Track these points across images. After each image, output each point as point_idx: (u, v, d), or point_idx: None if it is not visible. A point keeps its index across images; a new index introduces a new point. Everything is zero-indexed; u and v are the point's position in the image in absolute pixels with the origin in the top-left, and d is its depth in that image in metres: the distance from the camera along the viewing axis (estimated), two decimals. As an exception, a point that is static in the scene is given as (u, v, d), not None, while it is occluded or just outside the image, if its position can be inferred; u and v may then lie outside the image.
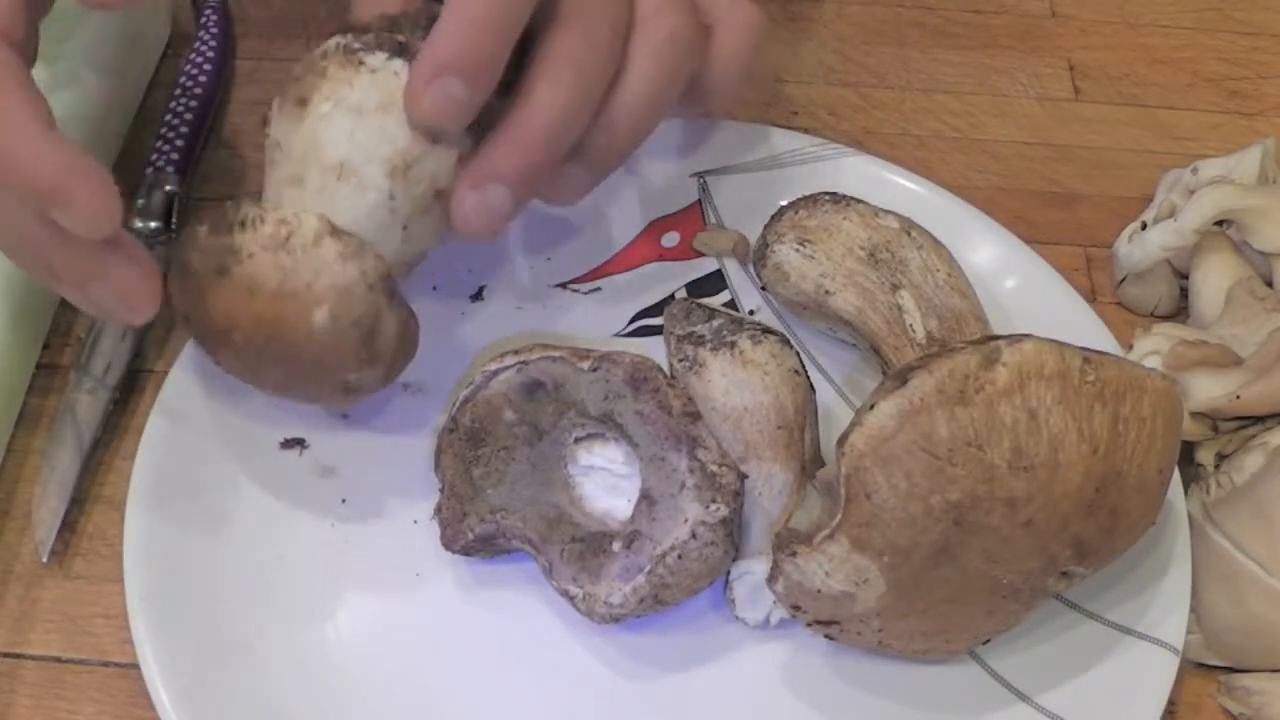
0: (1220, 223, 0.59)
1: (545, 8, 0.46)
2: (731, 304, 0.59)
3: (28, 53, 0.45)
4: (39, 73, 0.63)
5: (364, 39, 0.47)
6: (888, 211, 0.56)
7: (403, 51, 0.46)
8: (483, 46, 0.44)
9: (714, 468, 0.47)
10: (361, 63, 0.46)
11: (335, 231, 0.45)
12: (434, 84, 0.44)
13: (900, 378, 0.43)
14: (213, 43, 0.67)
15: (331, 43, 0.47)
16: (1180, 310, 0.61)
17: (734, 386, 0.50)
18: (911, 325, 0.53)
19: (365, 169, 0.46)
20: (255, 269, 0.44)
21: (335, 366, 0.47)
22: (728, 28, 0.53)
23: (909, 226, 0.56)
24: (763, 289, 0.58)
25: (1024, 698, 0.49)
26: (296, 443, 0.54)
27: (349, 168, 0.46)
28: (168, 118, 0.63)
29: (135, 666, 0.47)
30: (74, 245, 0.45)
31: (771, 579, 0.46)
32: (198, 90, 0.64)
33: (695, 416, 0.48)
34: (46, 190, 0.42)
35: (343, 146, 0.46)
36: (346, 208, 0.46)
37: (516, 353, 0.50)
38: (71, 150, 0.43)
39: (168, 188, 0.61)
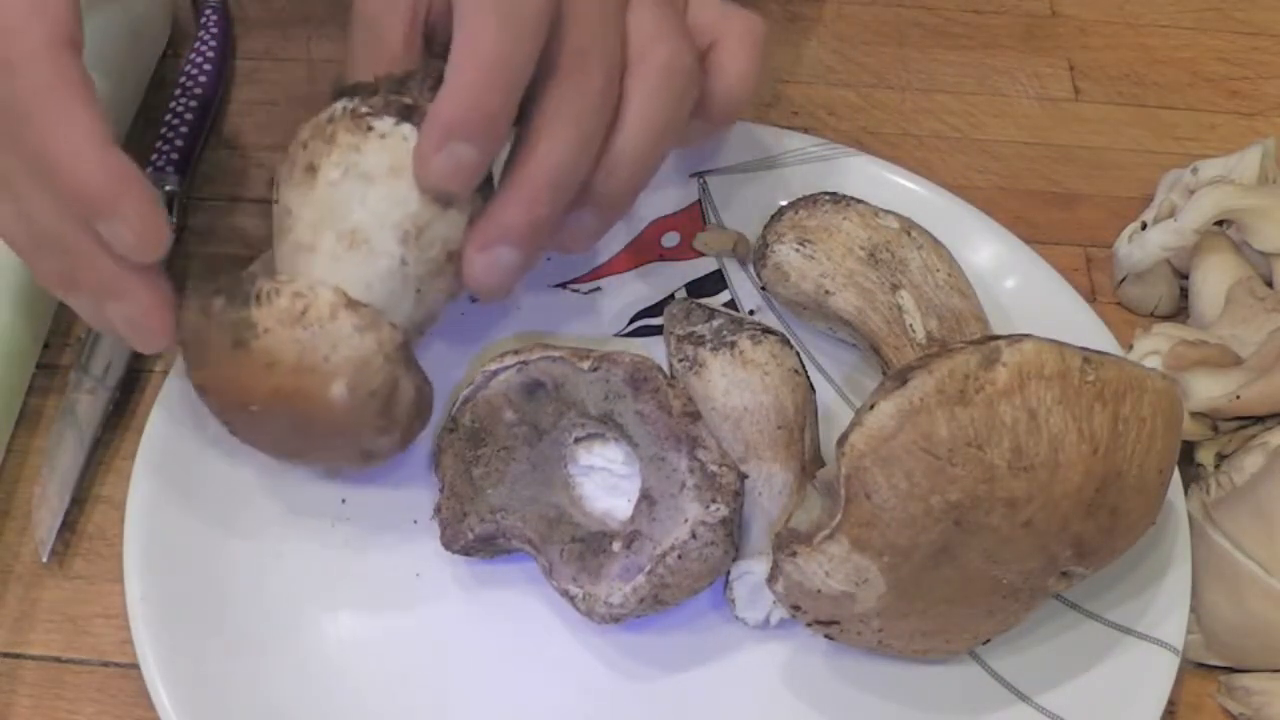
0: (1220, 223, 0.59)
1: (539, 56, 0.45)
2: (731, 304, 0.59)
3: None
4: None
5: (371, 102, 0.46)
6: (888, 211, 0.56)
7: (410, 114, 0.46)
8: (488, 107, 0.44)
9: (714, 468, 0.47)
10: (370, 128, 0.46)
11: (351, 303, 0.45)
12: (443, 149, 0.44)
13: (900, 378, 0.43)
14: (213, 43, 0.67)
15: (338, 106, 0.47)
16: (1180, 310, 0.61)
17: (734, 386, 0.50)
18: (911, 325, 0.53)
19: (377, 235, 0.46)
20: (272, 343, 0.44)
21: (353, 435, 0.47)
22: (729, 41, 0.51)
23: (909, 226, 0.56)
24: (763, 289, 0.58)
25: (1024, 698, 0.49)
26: (296, 443, 0.54)
27: (360, 234, 0.46)
28: (168, 118, 0.63)
29: (135, 666, 0.47)
30: (108, 261, 0.45)
31: (771, 579, 0.46)
32: (198, 90, 0.64)
33: (695, 416, 0.48)
34: (100, 199, 0.43)
35: (354, 213, 0.46)
36: (359, 274, 0.45)
37: (516, 353, 0.50)
38: (129, 165, 0.43)
39: (168, 188, 0.61)
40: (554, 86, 0.45)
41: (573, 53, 0.46)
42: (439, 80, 0.45)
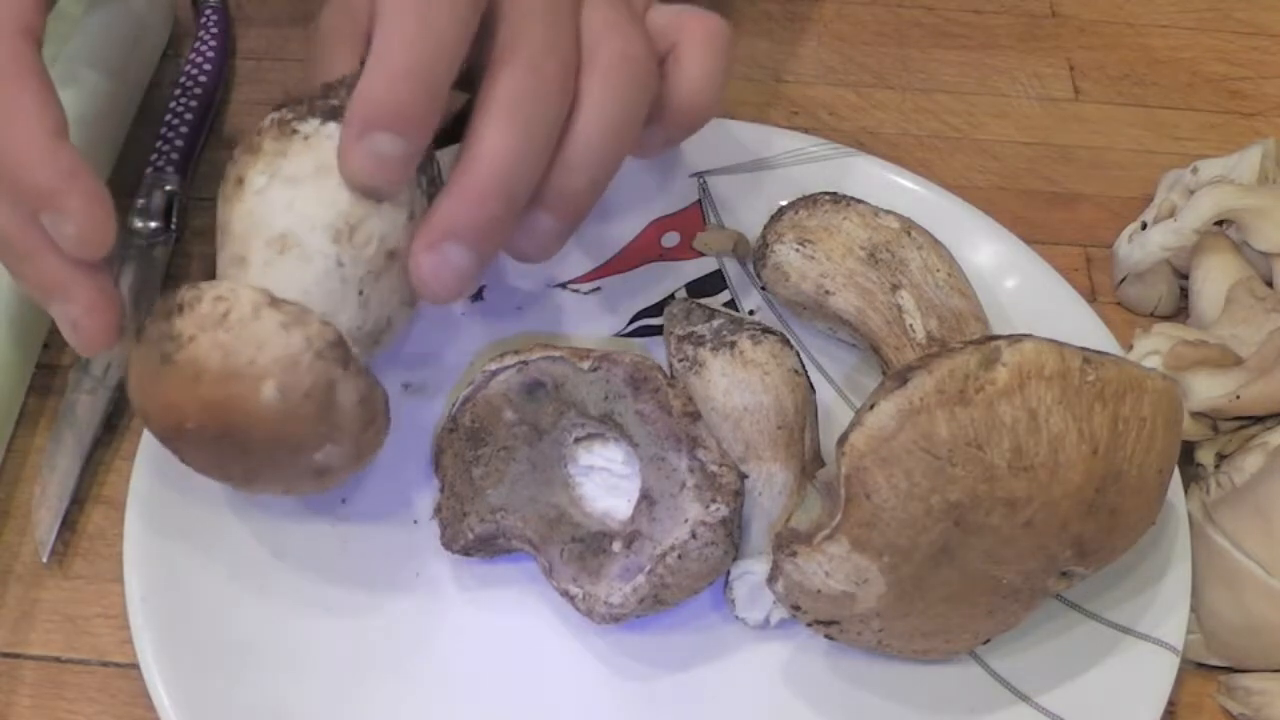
0: (1220, 223, 0.59)
1: (485, 46, 0.44)
2: (731, 304, 0.59)
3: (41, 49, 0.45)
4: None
5: (297, 109, 0.46)
6: (888, 211, 0.56)
7: (336, 115, 0.45)
8: (409, 97, 0.42)
9: (714, 467, 0.47)
10: (295, 131, 0.45)
11: (275, 302, 0.43)
12: (363, 142, 0.42)
13: (900, 378, 0.43)
14: (213, 43, 0.67)
15: (267, 119, 0.46)
16: (1180, 310, 0.61)
17: (734, 386, 0.50)
18: (911, 325, 0.53)
19: (308, 237, 0.44)
20: (197, 352, 0.42)
21: (296, 446, 0.44)
22: (690, 44, 0.49)
23: (909, 226, 0.56)
24: (763, 289, 0.58)
25: (1024, 698, 0.49)
26: (296, 443, 0.53)
27: (291, 238, 0.44)
28: (168, 118, 0.63)
29: (135, 666, 0.47)
30: (51, 257, 0.44)
31: (771, 579, 0.46)
32: (198, 90, 0.64)
33: (695, 416, 0.48)
34: (44, 192, 0.42)
35: (282, 217, 0.44)
36: (294, 280, 0.44)
37: (517, 352, 0.50)
38: (76, 158, 0.42)
39: (168, 188, 0.61)
40: (500, 75, 0.44)
41: (514, 44, 0.44)
42: None
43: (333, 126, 0.45)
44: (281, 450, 0.45)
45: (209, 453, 0.46)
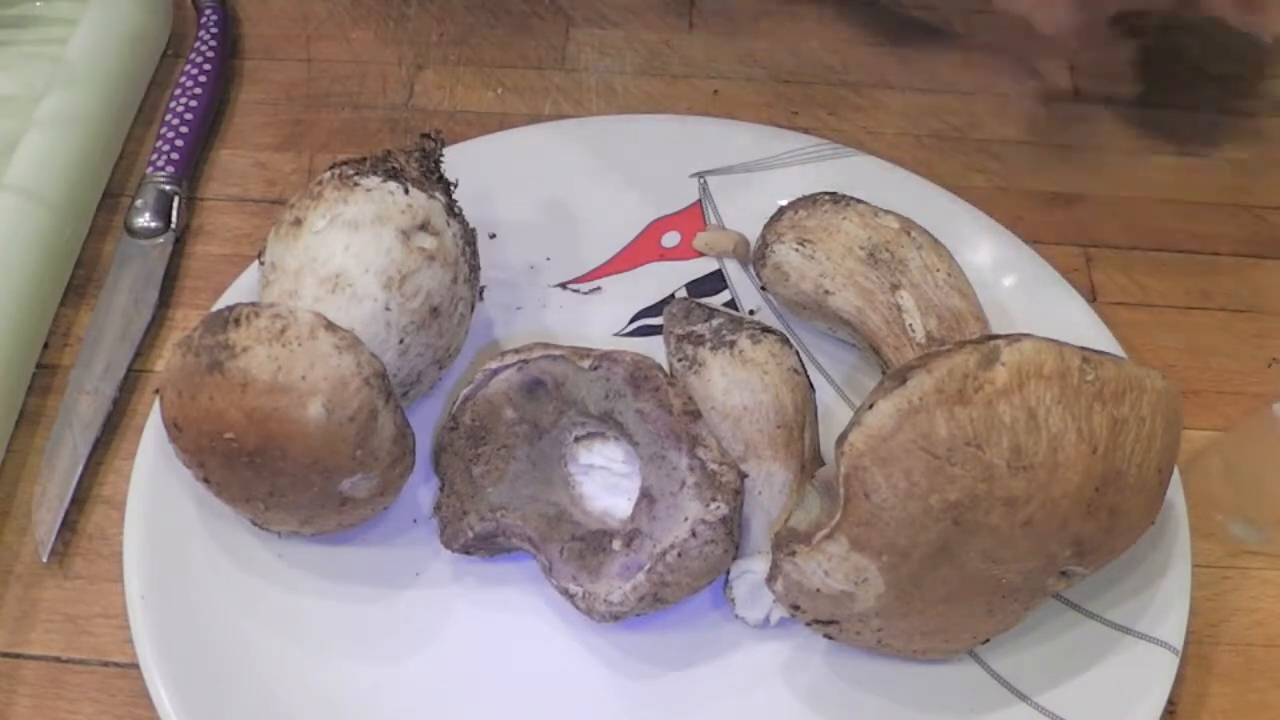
0: None
1: None
2: (731, 304, 0.59)
3: None
4: (39, 72, 0.63)
5: (359, 166, 0.49)
6: (888, 211, 0.56)
7: (397, 176, 0.48)
8: None
9: (714, 466, 0.47)
10: (357, 184, 0.48)
11: (331, 326, 0.45)
12: None
13: (900, 377, 0.43)
14: (213, 43, 0.67)
15: (326, 173, 0.49)
16: None
17: (734, 386, 0.50)
18: (911, 325, 0.53)
19: (361, 279, 0.47)
20: (249, 362, 0.44)
21: (330, 469, 0.46)
22: None
23: (909, 226, 0.55)
24: (763, 289, 0.58)
25: (1024, 698, 0.49)
26: (296, 442, 0.54)
27: (345, 278, 0.47)
28: (168, 118, 0.63)
29: (135, 666, 0.47)
30: None
31: (771, 578, 0.46)
32: (198, 90, 0.65)
33: (695, 415, 0.48)
34: None
35: (338, 258, 0.47)
36: (342, 318, 0.46)
37: (517, 351, 0.50)
38: None
39: (168, 188, 0.61)
40: None
41: None
42: (424, 154, 0.49)
43: (393, 184, 0.48)
44: (315, 472, 0.46)
45: (238, 470, 0.47)
